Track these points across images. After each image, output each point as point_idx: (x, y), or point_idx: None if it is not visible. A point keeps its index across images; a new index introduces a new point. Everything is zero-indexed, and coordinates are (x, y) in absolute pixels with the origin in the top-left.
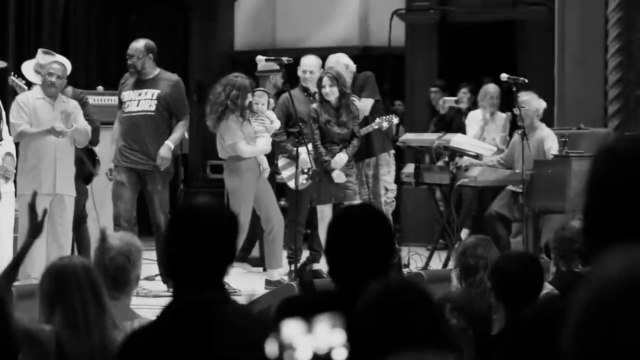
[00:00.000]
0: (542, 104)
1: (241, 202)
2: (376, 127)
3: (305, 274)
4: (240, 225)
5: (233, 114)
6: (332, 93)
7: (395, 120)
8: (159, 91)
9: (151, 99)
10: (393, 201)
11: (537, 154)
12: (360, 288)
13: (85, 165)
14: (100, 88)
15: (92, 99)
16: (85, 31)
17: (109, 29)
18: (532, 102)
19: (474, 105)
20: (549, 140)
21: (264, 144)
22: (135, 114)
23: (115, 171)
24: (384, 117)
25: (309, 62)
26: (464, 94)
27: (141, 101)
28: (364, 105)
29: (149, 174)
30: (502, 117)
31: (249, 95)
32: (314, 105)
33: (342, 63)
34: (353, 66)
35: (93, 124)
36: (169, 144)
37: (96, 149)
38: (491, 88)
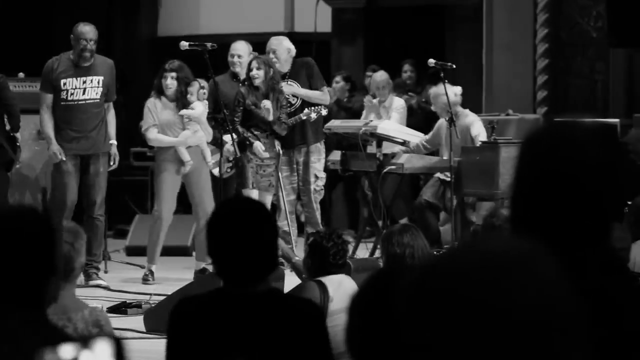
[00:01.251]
0: (454, 91)
1: (157, 193)
2: (304, 117)
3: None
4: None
5: (152, 97)
6: (258, 76)
7: (324, 111)
8: (102, 77)
9: (97, 87)
10: (322, 189)
11: (464, 141)
12: (249, 284)
13: (6, 151)
14: (21, 74)
15: (12, 86)
16: (5, 16)
17: (30, 14)
18: (438, 99)
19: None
20: (476, 127)
21: (185, 135)
22: (83, 102)
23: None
24: (312, 107)
25: (238, 47)
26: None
27: (87, 89)
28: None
29: (94, 158)
30: (399, 103)
31: (170, 77)
32: (242, 88)
33: (284, 46)
34: (294, 51)
35: (12, 108)
36: (114, 142)
37: (17, 135)
38: (377, 77)
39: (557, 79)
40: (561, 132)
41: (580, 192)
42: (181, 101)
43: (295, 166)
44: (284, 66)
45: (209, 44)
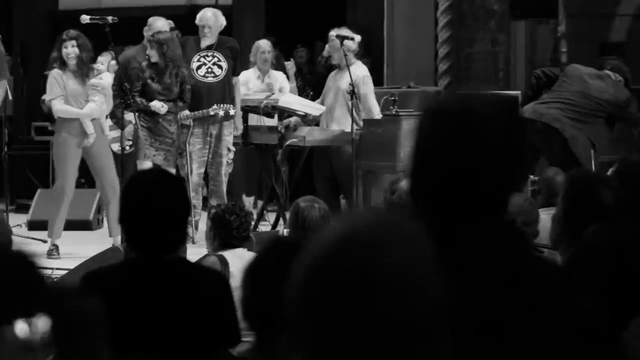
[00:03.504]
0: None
1: (59, 167)
2: (212, 113)
3: None
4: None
5: (55, 68)
6: (153, 55)
7: (232, 111)
8: None
9: None
10: (232, 162)
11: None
12: (160, 254)
13: None
14: None
15: None
16: None
17: None
18: (335, 42)
19: None
20: (365, 85)
21: (91, 107)
22: None
23: None
24: (221, 105)
25: (159, 25)
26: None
27: None
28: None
29: None
30: (278, 76)
31: (71, 46)
32: (143, 63)
33: (220, 22)
34: (224, 25)
35: None
36: None
37: None
38: (262, 43)
39: (459, 52)
40: (461, 105)
41: (479, 164)
42: (84, 70)
43: (208, 139)
44: (213, 39)
45: (109, 18)
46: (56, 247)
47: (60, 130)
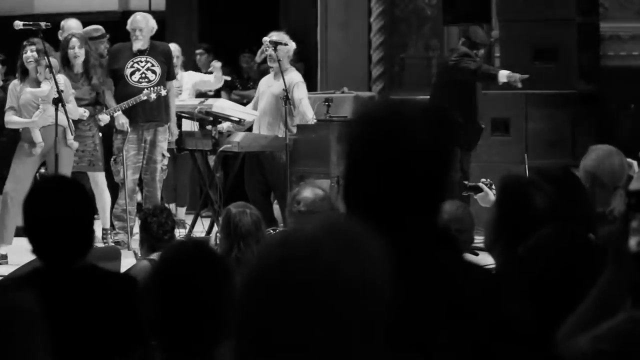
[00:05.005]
0: (291, 45)
1: (11, 172)
2: (144, 97)
3: None
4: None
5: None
6: (80, 55)
7: (163, 92)
8: None
9: None
10: (166, 168)
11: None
12: (66, 264)
13: None
14: None
15: None
16: None
17: None
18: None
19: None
20: (299, 90)
21: (37, 115)
22: None
23: None
24: (152, 88)
25: (72, 25)
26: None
27: None
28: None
29: None
30: (193, 77)
31: (30, 50)
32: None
33: (150, 26)
34: (155, 29)
35: None
36: None
37: None
38: (172, 46)
39: (392, 56)
40: (389, 110)
41: (408, 169)
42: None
43: (143, 144)
44: (145, 44)
45: (43, 24)
46: (2, 255)
47: (21, 138)
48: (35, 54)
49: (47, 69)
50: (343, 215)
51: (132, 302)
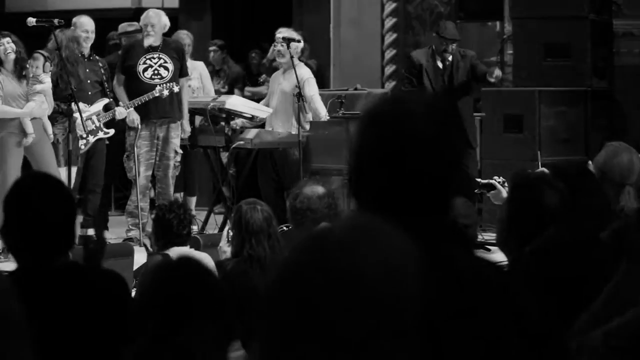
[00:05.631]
0: (299, 43)
1: (1, 166)
2: (157, 94)
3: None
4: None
5: None
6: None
7: (176, 88)
8: None
9: None
10: (179, 165)
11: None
12: (41, 265)
13: None
14: None
15: None
16: None
17: None
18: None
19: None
20: (309, 86)
21: (31, 107)
22: None
23: None
24: (164, 84)
25: (84, 22)
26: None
27: None
28: None
29: None
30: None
31: (7, 43)
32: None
33: (163, 22)
34: (168, 26)
35: None
36: None
37: None
38: (182, 34)
39: (405, 54)
40: (395, 106)
41: (414, 166)
42: (21, 68)
43: (155, 141)
44: (157, 40)
45: (56, 20)
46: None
47: (1, 129)
48: (12, 44)
49: (46, 64)
50: (363, 214)
51: (117, 299)
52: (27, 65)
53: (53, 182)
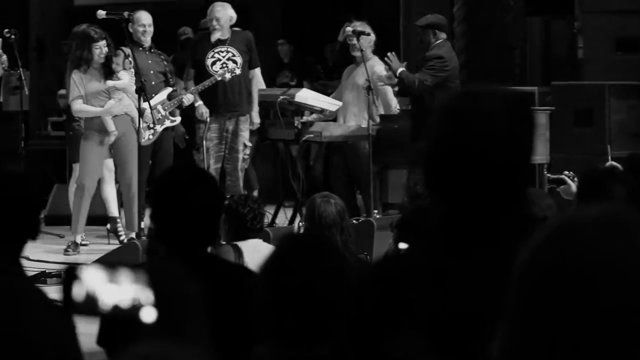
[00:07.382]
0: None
1: (81, 163)
2: (219, 78)
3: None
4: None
5: (75, 68)
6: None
7: (237, 71)
8: None
9: None
10: (248, 158)
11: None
12: (190, 253)
13: None
14: None
15: None
16: None
17: None
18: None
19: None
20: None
21: (110, 104)
22: None
23: None
24: (226, 67)
25: (146, 17)
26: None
27: None
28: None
29: None
30: None
31: (98, 46)
32: None
33: (228, 15)
34: (235, 18)
35: None
36: None
37: None
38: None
39: (475, 47)
40: (470, 101)
41: (488, 161)
42: (106, 68)
43: (225, 134)
44: (225, 33)
45: (126, 13)
46: (75, 244)
47: (85, 129)
48: (106, 49)
49: (127, 60)
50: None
51: (249, 294)
52: (113, 65)
53: (203, 173)
